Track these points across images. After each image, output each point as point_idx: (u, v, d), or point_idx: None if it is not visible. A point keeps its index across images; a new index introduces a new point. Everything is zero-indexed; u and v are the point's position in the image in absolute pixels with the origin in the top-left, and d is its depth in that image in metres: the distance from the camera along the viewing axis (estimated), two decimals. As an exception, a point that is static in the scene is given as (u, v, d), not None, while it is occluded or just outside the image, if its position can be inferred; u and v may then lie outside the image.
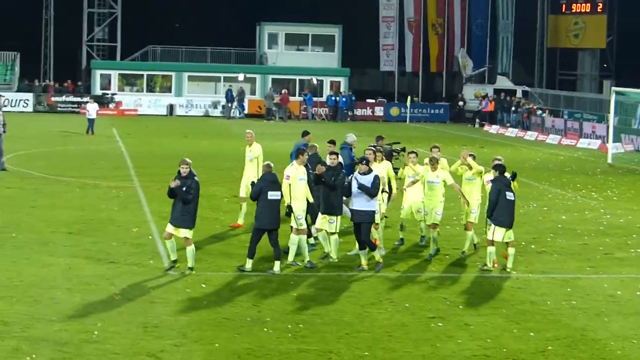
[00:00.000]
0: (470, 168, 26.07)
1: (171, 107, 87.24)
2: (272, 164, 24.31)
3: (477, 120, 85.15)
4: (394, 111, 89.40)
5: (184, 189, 22.91)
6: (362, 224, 23.61)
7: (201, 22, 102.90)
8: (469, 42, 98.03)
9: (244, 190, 28.23)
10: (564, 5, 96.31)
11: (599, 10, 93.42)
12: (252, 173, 28.76)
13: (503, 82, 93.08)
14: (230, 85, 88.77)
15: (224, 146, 52.67)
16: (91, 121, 61.66)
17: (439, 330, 19.09)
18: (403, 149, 32.93)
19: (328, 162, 24.79)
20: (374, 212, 23.89)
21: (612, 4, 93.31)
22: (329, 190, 24.08)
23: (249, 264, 23.36)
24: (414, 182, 26.21)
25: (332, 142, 29.16)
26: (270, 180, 23.64)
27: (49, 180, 38.81)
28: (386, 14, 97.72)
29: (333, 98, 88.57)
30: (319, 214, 24.86)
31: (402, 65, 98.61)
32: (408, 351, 17.58)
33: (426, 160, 26.03)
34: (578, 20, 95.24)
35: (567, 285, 23.39)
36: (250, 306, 20.45)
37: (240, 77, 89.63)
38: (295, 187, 24.35)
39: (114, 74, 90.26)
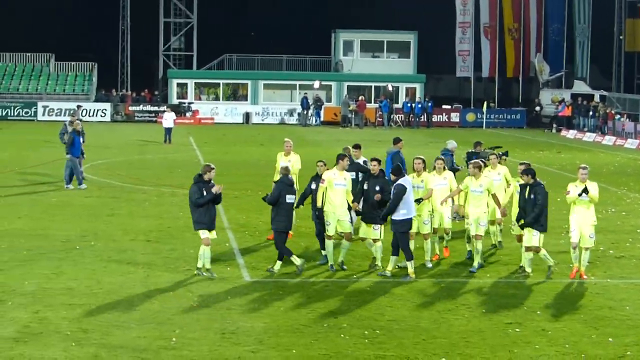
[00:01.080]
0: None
1: (247, 115, 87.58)
2: (289, 167, 25.21)
3: (554, 125, 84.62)
4: (470, 117, 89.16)
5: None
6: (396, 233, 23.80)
7: (277, 30, 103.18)
8: (546, 46, 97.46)
9: None
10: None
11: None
12: None
13: (580, 87, 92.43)
14: (305, 93, 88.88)
15: (300, 153, 52.81)
16: (168, 130, 62.06)
17: (516, 336, 19.07)
18: (505, 153, 31.87)
19: (370, 168, 24.89)
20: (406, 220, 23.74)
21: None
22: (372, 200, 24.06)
23: (277, 266, 24.09)
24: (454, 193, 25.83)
25: (358, 146, 28.95)
26: (287, 184, 24.16)
27: (126, 189, 39.17)
28: (462, 20, 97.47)
29: (409, 105, 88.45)
30: (362, 222, 24.80)
31: (478, 71, 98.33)
32: (485, 357, 17.59)
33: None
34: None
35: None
36: (326, 312, 20.54)
37: (316, 84, 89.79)
38: (331, 193, 24.55)
39: (191, 83, 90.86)
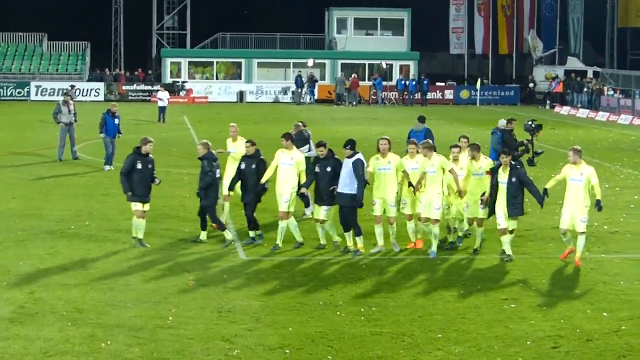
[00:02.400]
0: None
1: (241, 94, 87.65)
2: (209, 143, 25.63)
3: (548, 102, 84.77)
4: (464, 94, 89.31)
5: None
6: (344, 207, 23.58)
7: (270, 8, 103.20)
8: (539, 23, 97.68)
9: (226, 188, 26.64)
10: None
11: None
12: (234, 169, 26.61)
13: (574, 63, 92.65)
14: (299, 71, 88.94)
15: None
16: (162, 109, 62.14)
17: (511, 312, 19.11)
18: (539, 126, 32.37)
19: (317, 153, 24.59)
20: (353, 195, 23.40)
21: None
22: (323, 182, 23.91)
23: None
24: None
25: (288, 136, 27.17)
26: (212, 159, 24.99)
27: (120, 168, 39.15)
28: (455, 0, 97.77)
29: (403, 82, 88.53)
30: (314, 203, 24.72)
31: (471, 48, 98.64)
32: (481, 333, 17.61)
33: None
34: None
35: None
36: (322, 290, 20.58)
37: (310, 62, 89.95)
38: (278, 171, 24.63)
39: (184, 62, 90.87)
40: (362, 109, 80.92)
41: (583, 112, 75.60)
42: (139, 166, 24.40)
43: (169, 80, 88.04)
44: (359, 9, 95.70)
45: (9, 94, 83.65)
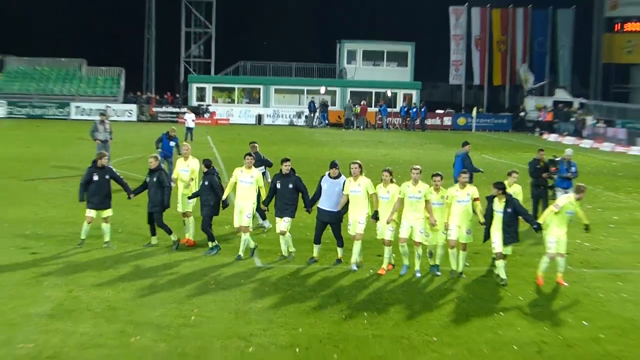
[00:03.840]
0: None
1: (259, 117, 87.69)
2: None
3: (537, 130, 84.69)
4: (461, 121, 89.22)
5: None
6: (332, 223, 23.51)
7: (287, 39, 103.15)
8: (531, 57, 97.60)
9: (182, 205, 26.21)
10: (617, 25, 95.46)
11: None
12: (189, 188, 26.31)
13: (562, 95, 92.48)
14: (312, 97, 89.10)
15: (308, 152, 52.90)
16: (190, 129, 62.09)
17: (500, 319, 19.19)
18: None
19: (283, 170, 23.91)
20: (342, 213, 23.43)
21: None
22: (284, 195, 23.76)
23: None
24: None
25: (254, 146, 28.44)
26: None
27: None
28: (455, 32, 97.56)
29: (405, 109, 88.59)
30: (277, 217, 24.09)
31: (469, 79, 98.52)
32: (472, 337, 17.72)
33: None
34: (631, 38, 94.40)
35: (618, 280, 23.27)
36: (329, 296, 20.63)
37: (322, 89, 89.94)
38: (238, 188, 24.21)
39: (209, 87, 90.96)
40: (368, 133, 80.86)
41: (569, 140, 75.31)
42: (95, 178, 24.73)
43: (194, 103, 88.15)
44: (367, 42, 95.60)
45: (51, 113, 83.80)
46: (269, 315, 18.87)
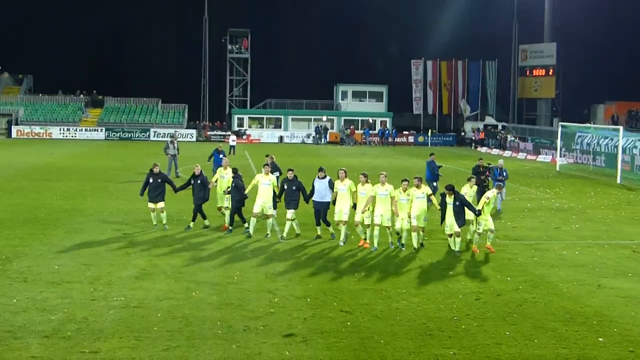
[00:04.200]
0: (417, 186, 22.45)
1: (281, 138, 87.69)
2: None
3: (473, 145, 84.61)
4: (421, 139, 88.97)
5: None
6: (321, 210, 23.49)
7: (299, 83, 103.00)
8: (467, 94, 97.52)
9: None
10: (527, 71, 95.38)
11: (550, 74, 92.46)
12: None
13: (490, 120, 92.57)
14: (318, 124, 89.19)
15: (313, 161, 52.83)
16: (233, 147, 62.02)
17: (450, 277, 19.05)
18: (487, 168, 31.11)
19: (290, 176, 23.95)
20: (328, 202, 23.48)
21: (558, 70, 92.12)
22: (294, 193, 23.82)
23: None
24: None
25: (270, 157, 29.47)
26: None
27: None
28: (415, 78, 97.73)
29: (382, 131, 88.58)
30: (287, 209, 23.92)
31: (426, 110, 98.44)
32: (430, 289, 17.61)
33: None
34: (537, 80, 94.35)
35: (532, 248, 23.14)
36: (330, 261, 20.60)
37: (324, 118, 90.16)
38: (260, 188, 24.05)
39: (246, 117, 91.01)
40: (356, 148, 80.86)
41: (495, 151, 75.40)
42: (151, 180, 24.66)
43: (236, 128, 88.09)
44: (355, 85, 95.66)
45: (136, 136, 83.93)
46: (290, 276, 18.81)
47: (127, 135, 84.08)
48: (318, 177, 23.63)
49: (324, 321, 15.00)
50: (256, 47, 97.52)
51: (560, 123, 61.85)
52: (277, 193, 24.14)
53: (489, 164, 31.98)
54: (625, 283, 19.02)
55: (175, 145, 42.55)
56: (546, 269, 20.36)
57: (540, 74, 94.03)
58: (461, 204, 21.81)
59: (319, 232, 23.89)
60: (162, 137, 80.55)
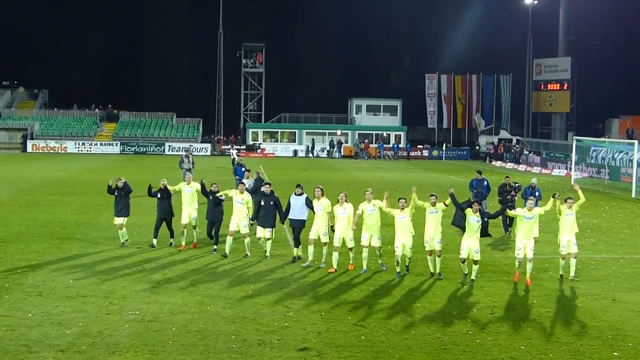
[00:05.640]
0: (433, 204, 20.41)
1: (295, 151, 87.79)
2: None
3: (488, 158, 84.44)
4: (435, 153, 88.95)
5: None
6: (296, 228, 22.30)
7: (314, 97, 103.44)
8: (482, 108, 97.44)
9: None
10: (542, 85, 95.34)
11: (564, 88, 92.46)
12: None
13: (504, 134, 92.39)
14: (332, 137, 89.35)
15: (328, 176, 52.96)
16: (234, 160, 60.87)
17: (465, 291, 19.01)
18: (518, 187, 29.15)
19: (266, 190, 22.85)
20: (304, 220, 22.20)
21: (573, 84, 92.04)
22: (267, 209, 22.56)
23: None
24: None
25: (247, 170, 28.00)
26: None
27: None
28: (430, 92, 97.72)
29: (396, 145, 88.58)
30: (259, 226, 22.76)
31: (440, 124, 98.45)
32: (444, 303, 17.56)
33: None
34: (552, 94, 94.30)
35: (546, 262, 22.82)
36: (344, 275, 20.54)
37: (338, 132, 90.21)
38: (234, 206, 23.20)
39: (260, 131, 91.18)
40: (370, 162, 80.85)
41: (510, 165, 75.20)
42: (158, 195, 24.26)
43: (250, 142, 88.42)
44: (369, 99, 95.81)
45: (152, 150, 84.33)
46: (302, 289, 18.82)
47: (142, 150, 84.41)
48: (295, 193, 22.36)
49: (338, 335, 15.00)
50: (271, 62, 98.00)
51: (575, 137, 61.72)
52: (251, 213, 23.09)
53: (515, 182, 29.56)
54: (641, 297, 18.98)
55: (190, 159, 42.63)
56: (543, 273, 20.44)
57: (554, 88, 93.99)
58: (487, 219, 20.41)
59: (295, 253, 22.74)
60: (176, 151, 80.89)
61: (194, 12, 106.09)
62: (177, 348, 13.96)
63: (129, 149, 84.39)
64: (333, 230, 21.36)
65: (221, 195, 23.71)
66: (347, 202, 21.29)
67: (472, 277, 19.97)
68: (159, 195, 24.25)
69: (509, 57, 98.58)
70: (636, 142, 51.34)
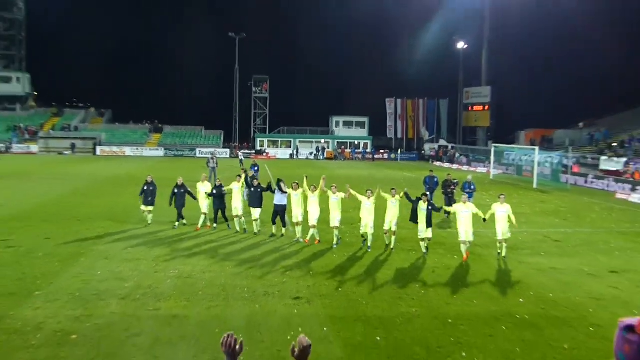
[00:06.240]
0: (393, 196, 19.81)
1: (291, 155, 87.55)
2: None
3: (431, 160, 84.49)
4: (393, 156, 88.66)
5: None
6: (279, 211, 21.44)
7: (305, 115, 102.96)
8: (427, 123, 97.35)
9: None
10: (469, 107, 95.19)
11: (486, 109, 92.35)
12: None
13: (443, 142, 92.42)
14: (317, 145, 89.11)
15: (315, 172, 52.97)
16: (241, 160, 59.14)
17: (415, 258, 18.89)
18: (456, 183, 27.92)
19: (255, 183, 22.18)
20: (285, 205, 21.38)
21: (492, 106, 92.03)
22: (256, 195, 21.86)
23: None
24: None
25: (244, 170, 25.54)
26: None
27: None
28: (389, 111, 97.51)
29: (365, 151, 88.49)
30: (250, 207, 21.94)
31: (396, 135, 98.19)
32: (399, 266, 17.45)
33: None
34: (476, 113, 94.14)
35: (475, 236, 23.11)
36: (331, 252, 20.41)
37: (323, 141, 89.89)
38: (234, 195, 22.39)
39: (266, 140, 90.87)
40: (346, 162, 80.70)
41: (447, 165, 75.29)
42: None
43: (259, 148, 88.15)
44: (345, 116, 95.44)
45: (186, 153, 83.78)
46: (298, 256, 18.68)
47: (179, 153, 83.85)
48: (278, 184, 21.72)
49: (321, 288, 15.08)
50: (273, 89, 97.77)
51: (493, 144, 62.01)
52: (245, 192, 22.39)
53: (454, 179, 28.93)
54: (539, 259, 19.14)
55: (215, 160, 42.57)
56: (482, 249, 20.41)
57: (478, 109, 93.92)
58: (431, 209, 19.44)
59: (273, 231, 21.80)
60: (204, 154, 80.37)
61: (218, 53, 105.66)
62: (205, 297, 14.03)
63: (170, 153, 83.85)
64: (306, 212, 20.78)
65: (223, 190, 23.06)
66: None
67: (425, 250, 19.26)
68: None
69: (446, 86, 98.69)
70: (537, 148, 51.70)
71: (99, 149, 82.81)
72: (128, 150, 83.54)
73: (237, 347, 3.70)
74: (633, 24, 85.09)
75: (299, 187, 21.26)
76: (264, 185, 22.75)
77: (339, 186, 21.23)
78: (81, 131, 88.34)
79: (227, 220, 22.99)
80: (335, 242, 20.16)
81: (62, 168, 54.67)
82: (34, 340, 11.10)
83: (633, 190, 41.91)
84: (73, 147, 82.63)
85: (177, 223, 23.15)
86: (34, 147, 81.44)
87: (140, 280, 15.30)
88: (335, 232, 20.16)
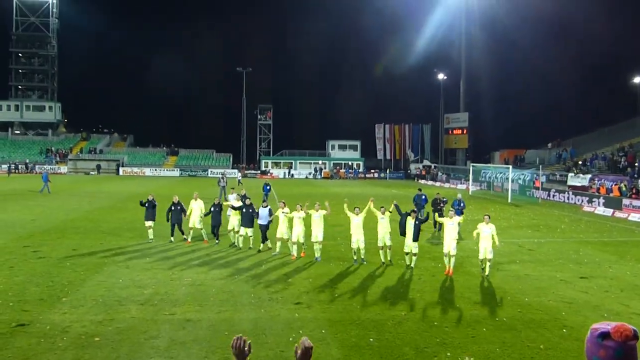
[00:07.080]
0: (383, 213, 18.84)
1: (292, 175, 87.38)
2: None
3: (417, 179, 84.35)
4: (382, 175, 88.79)
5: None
6: (262, 229, 20.70)
7: (304, 140, 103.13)
8: (412, 146, 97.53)
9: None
10: (450, 131, 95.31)
11: (464, 132, 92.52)
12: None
13: (426, 162, 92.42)
14: (315, 165, 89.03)
15: (313, 190, 52.81)
16: (239, 180, 59.21)
17: (407, 272, 18.70)
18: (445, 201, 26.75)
19: (247, 202, 21.34)
20: (267, 224, 20.71)
21: (470, 130, 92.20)
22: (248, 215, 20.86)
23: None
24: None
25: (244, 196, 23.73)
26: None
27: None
28: (378, 135, 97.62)
29: (357, 171, 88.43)
30: (242, 227, 20.94)
31: (385, 156, 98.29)
32: (393, 283, 17.25)
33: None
34: (456, 136, 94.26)
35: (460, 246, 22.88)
36: (328, 266, 20.26)
37: (320, 162, 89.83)
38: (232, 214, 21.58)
39: (270, 162, 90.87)
40: (341, 181, 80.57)
41: (430, 182, 75.24)
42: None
43: (264, 169, 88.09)
44: (340, 140, 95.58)
45: (199, 174, 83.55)
46: (298, 263, 18.48)
47: (193, 173, 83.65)
48: (262, 206, 21.11)
49: (320, 294, 14.90)
50: (276, 117, 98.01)
51: (472, 164, 62.02)
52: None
53: (443, 197, 27.44)
54: (515, 267, 18.97)
55: (225, 179, 42.46)
56: (464, 259, 20.22)
57: (458, 133, 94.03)
58: (419, 224, 18.47)
59: (269, 245, 21.04)
60: (215, 174, 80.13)
61: (228, 86, 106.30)
62: (216, 302, 13.83)
63: (185, 173, 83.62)
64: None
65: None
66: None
67: (412, 264, 18.27)
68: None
69: (429, 113, 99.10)
70: (510, 167, 51.67)
71: (121, 170, 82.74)
72: (148, 171, 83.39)
73: (246, 348, 3.57)
74: (593, 55, 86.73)
75: (285, 207, 20.05)
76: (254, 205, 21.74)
77: (322, 203, 20.84)
78: (106, 154, 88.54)
79: (216, 237, 22.11)
80: (316, 255, 19.21)
81: (88, 186, 54.48)
82: (60, 342, 10.90)
83: (598, 203, 41.84)
84: (99, 168, 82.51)
85: (172, 238, 22.13)
86: (64, 168, 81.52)
87: (158, 288, 15.09)
88: (317, 246, 19.26)
